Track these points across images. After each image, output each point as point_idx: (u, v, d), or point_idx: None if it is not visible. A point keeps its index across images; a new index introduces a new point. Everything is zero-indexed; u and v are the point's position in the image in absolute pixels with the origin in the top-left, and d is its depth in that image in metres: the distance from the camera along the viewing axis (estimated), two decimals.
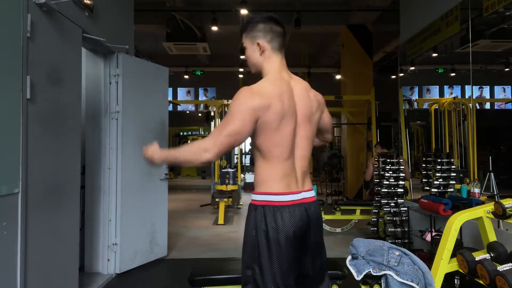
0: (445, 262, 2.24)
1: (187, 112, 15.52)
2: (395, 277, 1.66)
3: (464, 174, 5.05)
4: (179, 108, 14.30)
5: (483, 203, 2.92)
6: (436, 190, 3.71)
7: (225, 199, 6.60)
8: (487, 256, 2.16)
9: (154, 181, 4.07)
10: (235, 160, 11.29)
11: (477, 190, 3.39)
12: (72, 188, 2.84)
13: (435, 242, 3.05)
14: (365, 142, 8.29)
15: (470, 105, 5.64)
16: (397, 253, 1.77)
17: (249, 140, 1.67)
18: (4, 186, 2.07)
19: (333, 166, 9.35)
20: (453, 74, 9.62)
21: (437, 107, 6.37)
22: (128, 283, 3.55)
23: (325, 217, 5.34)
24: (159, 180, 4.12)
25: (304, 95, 1.60)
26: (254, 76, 1.71)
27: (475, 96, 9.76)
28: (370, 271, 1.73)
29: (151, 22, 8.25)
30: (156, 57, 9.66)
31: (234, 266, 2.56)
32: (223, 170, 7.11)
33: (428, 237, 3.42)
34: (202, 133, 15.66)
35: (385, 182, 4.24)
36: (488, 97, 10.73)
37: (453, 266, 2.26)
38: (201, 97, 14.33)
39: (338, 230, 5.45)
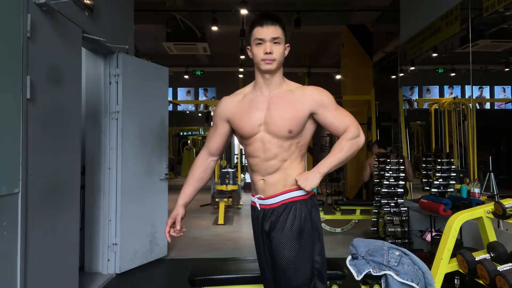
0: (445, 262, 2.23)
1: (187, 112, 15.51)
2: (395, 277, 1.66)
3: (464, 174, 5.05)
4: (179, 108, 14.29)
5: (483, 203, 2.92)
6: (436, 190, 3.71)
7: (225, 199, 6.60)
8: (487, 256, 2.16)
9: (154, 181, 4.07)
10: (235, 160, 11.29)
11: (477, 190, 3.39)
12: (72, 188, 2.84)
13: (435, 242, 3.05)
14: (365, 142, 8.27)
15: (470, 105, 5.64)
16: (397, 253, 1.77)
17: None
18: (4, 186, 2.07)
19: None
20: (453, 74, 9.62)
21: (437, 107, 6.37)
22: (128, 283, 3.55)
23: (325, 217, 5.34)
24: (159, 180, 4.12)
25: None
26: (254, 77, 1.71)
27: (475, 96, 9.77)
28: (370, 271, 1.73)
29: (151, 22, 8.23)
30: (156, 57, 9.65)
31: (234, 266, 2.56)
32: (223, 170, 7.11)
33: (428, 237, 3.42)
34: (202, 133, 15.66)
35: (385, 182, 4.24)
36: (488, 97, 10.73)
37: (453, 266, 2.26)
38: (201, 97, 14.32)
39: (338, 230, 5.45)
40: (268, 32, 1.58)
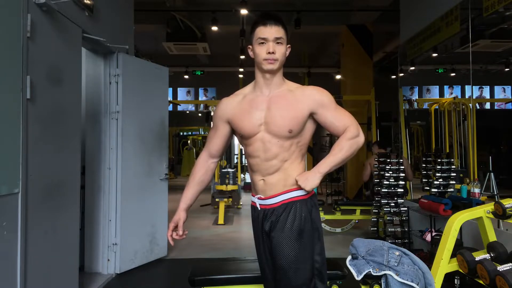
0: (445, 262, 2.23)
1: (187, 112, 15.51)
2: (395, 277, 1.66)
3: (464, 174, 5.05)
4: (179, 108, 14.30)
5: (483, 203, 2.92)
6: (436, 190, 3.71)
7: (225, 199, 6.60)
8: (487, 256, 2.16)
9: (154, 181, 4.07)
10: (235, 160, 11.29)
11: (477, 190, 3.39)
12: (72, 188, 2.84)
13: (435, 242, 3.05)
14: (365, 142, 8.27)
15: (470, 105, 5.64)
16: (397, 253, 1.77)
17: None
18: (4, 186, 2.07)
19: None
20: (453, 74, 9.62)
21: (437, 107, 6.37)
22: (128, 283, 3.55)
23: (325, 217, 5.34)
24: (159, 180, 4.12)
25: None
26: (254, 77, 1.71)
27: (475, 96, 9.76)
28: (370, 271, 1.73)
29: (151, 22, 8.24)
30: (156, 57, 9.65)
31: (234, 266, 2.56)
32: (223, 170, 7.11)
33: (428, 237, 3.42)
34: (202, 133, 15.66)
35: (385, 182, 4.24)
36: (488, 97, 10.73)
37: (453, 266, 2.26)
38: (201, 97, 14.32)
39: (338, 230, 5.45)
40: (271, 32, 1.58)
